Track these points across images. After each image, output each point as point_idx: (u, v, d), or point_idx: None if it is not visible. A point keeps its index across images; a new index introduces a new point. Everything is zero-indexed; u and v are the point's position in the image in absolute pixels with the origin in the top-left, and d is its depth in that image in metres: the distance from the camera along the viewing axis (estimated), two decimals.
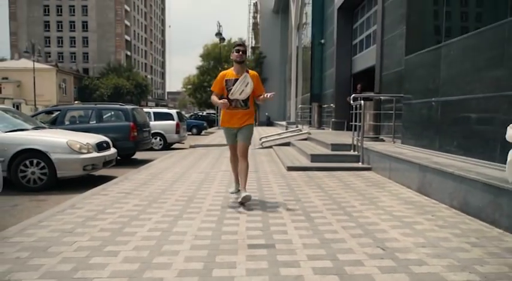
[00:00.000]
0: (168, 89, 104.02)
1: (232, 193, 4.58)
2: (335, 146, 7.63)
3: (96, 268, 2.42)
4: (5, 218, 4.17)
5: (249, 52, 42.06)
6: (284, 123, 23.78)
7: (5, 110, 6.84)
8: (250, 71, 4.30)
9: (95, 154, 6.38)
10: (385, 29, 9.03)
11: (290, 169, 6.71)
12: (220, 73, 4.36)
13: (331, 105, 14.27)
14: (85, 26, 67.83)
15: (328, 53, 15.94)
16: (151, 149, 11.45)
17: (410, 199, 4.43)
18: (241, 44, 4.30)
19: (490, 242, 2.89)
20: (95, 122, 9.04)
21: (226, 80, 4.22)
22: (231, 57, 4.30)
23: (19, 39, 66.88)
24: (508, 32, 3.98)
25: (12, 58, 61.37)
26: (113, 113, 9.49)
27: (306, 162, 7.25)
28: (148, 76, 77.53)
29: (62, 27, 67.93)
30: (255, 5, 39.88)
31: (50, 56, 63.72)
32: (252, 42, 42.63)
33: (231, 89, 4.15)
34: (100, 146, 6.69)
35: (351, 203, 4.19)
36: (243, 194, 4.06)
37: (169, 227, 3.30)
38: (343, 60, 14.07)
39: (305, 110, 17.87)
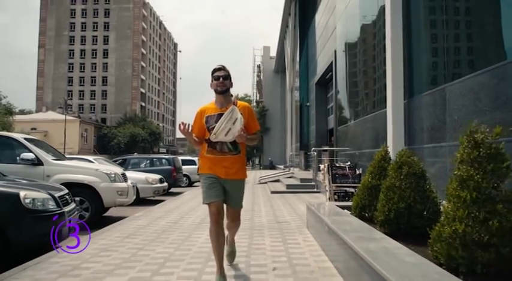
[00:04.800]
0: (177, 135, 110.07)
1: None
2: (302, 179, 12.26)
3: (189, 216, 7.00)
4: (128, 211, 8.76)
5: (253, 104, 47.66)
6: (282, 166, 28.47)
7: (105, 160, 11.65)
8: (239, 102, 3.24)
9: (159, 185, 11.03)
10: (338, 104, 13.94)
11: (273, 192, 11.30)
12: (199, 108, 3.28)
13: (314, 152, 18.96)
14: (105, 80, 74.37)
15: (312, 113, 20.87)
16: (179, 186, 16.02)
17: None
18: (221, 68, 3.19)
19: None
20: (148, 165, 13.79)
21: (206, 117, 3.17)
22: (211, 88, 3.23)
23: (44, 93, 73.89)
24: (379, 120, 8.75)
25: (37, 110, 67.73)
26: (160, 160, 14.25)
27: (283, 189, 11.86)
28: (160, 124, 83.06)
29: (83, 82, 74.31)
30: (259, 66, 46.18)
31: (71, 108, 70.00)
32: (256, 96, 48.48)
33: (213, 127, 3.03)
34: (160, 180, 11.35)
35: (295, 203, 8.75)
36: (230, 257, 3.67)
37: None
38: (321, 119, 18.97)
39: (296, 156, 22.61)
